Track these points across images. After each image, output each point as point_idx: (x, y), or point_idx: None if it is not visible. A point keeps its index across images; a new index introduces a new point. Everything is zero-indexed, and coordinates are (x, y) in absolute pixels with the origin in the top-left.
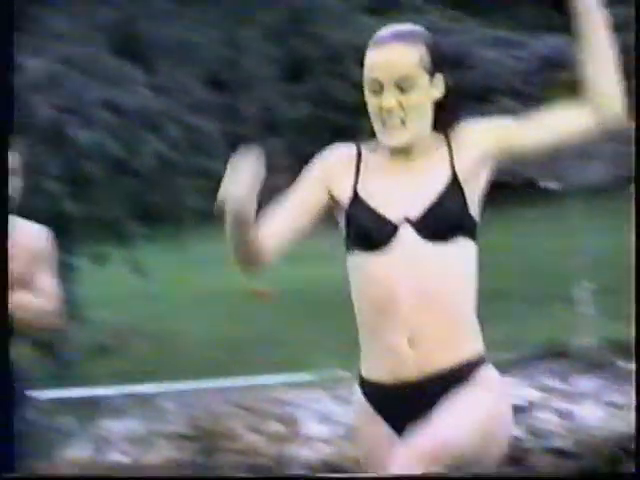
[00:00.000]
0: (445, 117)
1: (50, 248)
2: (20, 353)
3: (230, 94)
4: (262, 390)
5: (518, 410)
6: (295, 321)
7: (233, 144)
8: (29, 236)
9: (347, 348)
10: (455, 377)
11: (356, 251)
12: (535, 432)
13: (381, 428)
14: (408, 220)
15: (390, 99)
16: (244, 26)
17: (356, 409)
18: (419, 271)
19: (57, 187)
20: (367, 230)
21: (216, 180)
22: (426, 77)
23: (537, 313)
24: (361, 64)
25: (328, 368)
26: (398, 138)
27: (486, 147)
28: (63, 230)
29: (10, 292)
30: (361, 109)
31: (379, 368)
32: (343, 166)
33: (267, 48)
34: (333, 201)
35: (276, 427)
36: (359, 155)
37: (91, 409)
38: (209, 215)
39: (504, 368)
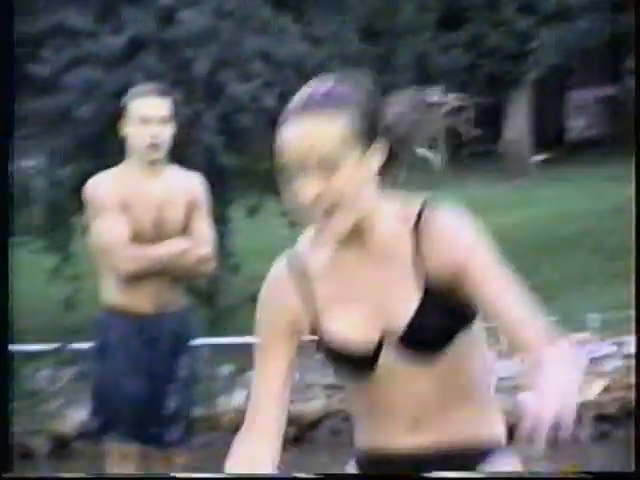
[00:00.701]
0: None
1: (205, 195)
2: (181, 302)
3: (385, 44)
4: None
5: None
6: None
7: (388, 94)
8: (185, 184)
9: None
10: (457, 459)
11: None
12: None
13: None
14: (387, 341)
15: (309, 189)
16: None
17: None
18: (414, 386)
19: (213, 139)
20: (343, 365)
21: None
22: (357, 149)
23: None
24: (519, 11)
25: None
26: (333, 232)
27: (459, 268)
28: (219, 181)
29: (167, 239)
30: (519, 58)
31: (374, 439)
32: (293, 302)
33: None
34: (302, 334)
35: None
36: (302, 275)
37: (248, 357)
38: None
39: None
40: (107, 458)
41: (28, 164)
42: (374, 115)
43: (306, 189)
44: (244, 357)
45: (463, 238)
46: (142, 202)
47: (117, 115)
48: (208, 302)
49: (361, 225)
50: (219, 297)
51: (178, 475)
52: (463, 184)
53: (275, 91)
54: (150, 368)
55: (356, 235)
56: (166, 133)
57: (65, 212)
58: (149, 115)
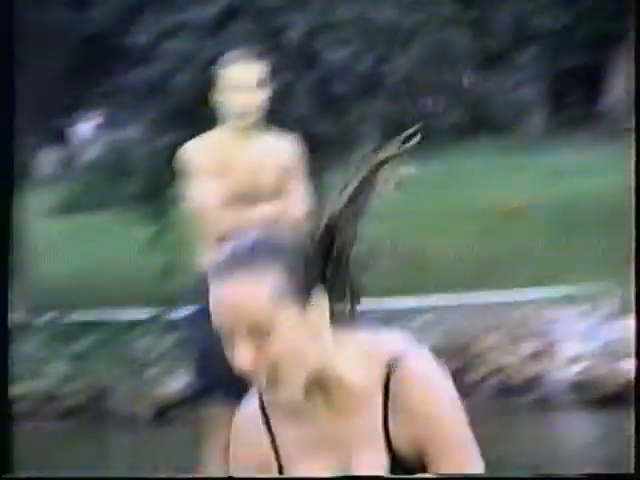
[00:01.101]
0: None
1: (299, 160)
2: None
3: (481, 7)
4: (517, 307)
5: None
6: (551, 236)
7: (484, 58)
8: (279, 149)
9: (604, 263)
10: None
11: None
12: None
13: None
14: None
15: (244, 356)
16: None
17: None
18: None
19: (308, 106)
20: None
21: (467, 96)
22: (294, 304)
23: None
24: None
25: (584, 283)
26: (281, 396)
27: (425, 446)
28: (315, 148)
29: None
30: (619, 15)
31: None
32: (261, 442)
33: None
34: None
35: (532, 345)
36: (267, 416)
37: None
38: (466, 131)
39: None
40: (207, 423)
41: (124, 135)
42: (309, 263)
43: (240, 356)
44: None
45: (433, 417)
46: (236, 167)
47: (211, 83)
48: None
49: (321, 375)
50: None
51: (178, 475)
52: (561, 147)
53: (369, 57)
54: None
55: (317, 384)
56: (259, 99)
57: (162, 181)
58: (242, 81)
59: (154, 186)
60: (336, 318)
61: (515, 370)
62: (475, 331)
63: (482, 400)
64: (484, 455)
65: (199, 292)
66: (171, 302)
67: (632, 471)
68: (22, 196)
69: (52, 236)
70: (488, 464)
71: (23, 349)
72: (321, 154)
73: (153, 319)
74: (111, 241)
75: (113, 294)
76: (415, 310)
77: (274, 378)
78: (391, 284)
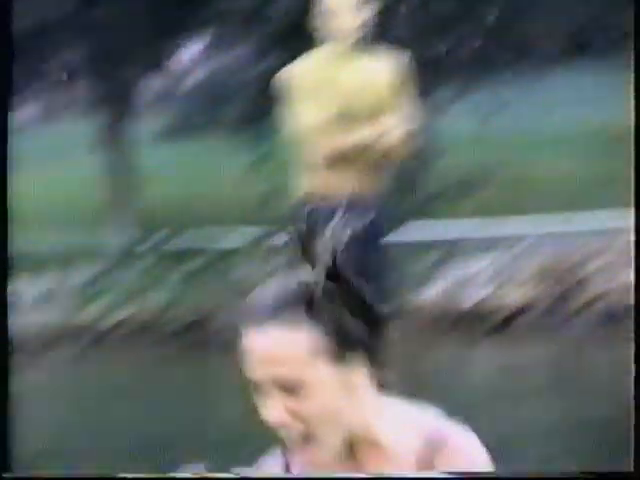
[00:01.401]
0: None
1: (402, 80)
2: (380, 187)
3: None
4: (624, 231)
5: None
6: None
7: None
8: (381, 70)
9: None
10: None
11: None
12: None
13: None
14: None
15: (274, 413)
16: None
17: None
18: None
19: (411, 26)
20: None
21: (568, 19)
22: (327, 365)
23: None
24: None
25: None
26: (315, 456)
27: None
28: (418, 69)
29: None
30: None
31: None
32: None
33: None
34: None
35: (629, 273)
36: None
37: (444, 251)
38: (570, 52)
39: None
40: None
41: (226, 60)
42: (342, 320)
43: (270, 410)
44: (439, 251)
45: None
46: (336, 89)
47: (311, 5)
48: (411, 188)
49: (356, 437)
50: (424, 182)
51: (179, 475)
52: None
53: None
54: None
55: (350, 446)
56: (360, 19)
57: (264, 105)
58: (342, 3)
59: (257, 110)
60: (377, 383)
61: (620, 296)
62: (580, 255)
63: (586, 326)
64: (588, 382)
65: (300, 216)
66: (273, 226)
67: (632, 470)
68: (129, 122)
69: (156, 162)
70: (592, 392)
71: (128, 274)
72: (425, 74)
73: (255, 243)
74: (215, 166)
75: (215, 218)
76: (520, 233)
77: (308, 437)
78: (497, 207)
